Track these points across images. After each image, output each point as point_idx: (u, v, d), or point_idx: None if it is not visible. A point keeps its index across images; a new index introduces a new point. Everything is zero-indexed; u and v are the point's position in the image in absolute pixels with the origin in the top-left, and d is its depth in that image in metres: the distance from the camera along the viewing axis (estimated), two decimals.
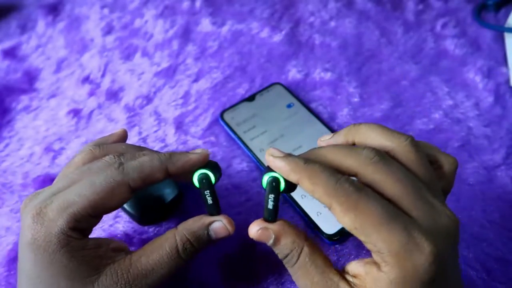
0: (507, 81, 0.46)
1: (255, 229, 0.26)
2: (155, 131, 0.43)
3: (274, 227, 0.26)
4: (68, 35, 0.52)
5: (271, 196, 0.26)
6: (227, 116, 0.43)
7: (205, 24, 0.53)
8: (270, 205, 0.26)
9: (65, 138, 0.43)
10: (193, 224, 0.28)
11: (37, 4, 0.55)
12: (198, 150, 0.28)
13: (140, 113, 0.45)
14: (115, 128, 0.43)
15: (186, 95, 0.46)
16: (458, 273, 0.25)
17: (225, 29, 0.52)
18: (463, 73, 0.47)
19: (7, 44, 0.51)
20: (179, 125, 0.43)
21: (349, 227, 0.23)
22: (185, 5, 0.55)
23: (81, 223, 0.25)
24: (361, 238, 0.23)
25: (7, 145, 0.43)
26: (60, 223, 0.24)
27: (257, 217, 0.37)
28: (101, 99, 0.46)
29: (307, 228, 0.36)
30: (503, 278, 0.33)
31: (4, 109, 0.45)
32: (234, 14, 0.54)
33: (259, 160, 0.40)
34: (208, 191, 0.27)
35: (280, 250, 0.26)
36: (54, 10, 0.55)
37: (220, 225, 0.28)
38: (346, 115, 0.44)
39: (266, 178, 0.26)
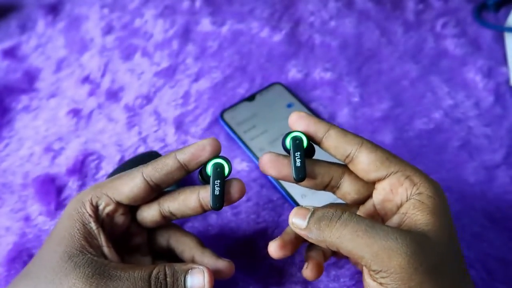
0: (507, 81, 0.46)
1: (298, 210, 0.26)
2: (155, 131, 0.43)
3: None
4: (68, 35, 0.52)
5: (297, 154, 0.26)
6: (227, 116, 0.43)
7: (205, 24, 0.53)
8: (298, 162, 0.26)
9: (65, 138, 0.43)
10: (178, 264, 0.27)
11: (37, 4, 0.55)
12: (208, 139, 0.28)
13: (140, 113, 0.45)
14: (115, 128, 0.43)
15: (186, 95, 0.46)
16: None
17: (225, 29, 0.52)
18: (463, 73, 0.47)
19: (7, 44, 0.51)
20: (179, 125, 0.43)
21: (380, 158, 0.26)
22: (185, 5, 0.55)
23: (100, 200, 0.28)
24: (387, 167, 0.26)
25: (7, 145, 0.43)
26: (84, 194, 0.28)
27: (257, 217, 0.37)
28: (101, 99, 0.46)
29: None
30: (503, 278, 0.33)
31: (4, 109, 0.45)
32: (234, 14, 0.54)
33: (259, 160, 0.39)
34: (218, 181, 0.27)
35: (319, 214, 0.25)
36: (54, 10, 0.54)
37: (199, 274, 0.26)
38: (346, 115, 0.44)
39: (289, 138, 0.27)
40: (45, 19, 0.53)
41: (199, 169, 0.28)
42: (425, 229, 0.24)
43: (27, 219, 0.37)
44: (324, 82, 0.47)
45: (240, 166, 0.40)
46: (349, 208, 0.30)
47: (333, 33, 0.52)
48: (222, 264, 0.29)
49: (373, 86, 0.46)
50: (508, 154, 0.41)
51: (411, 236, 0.23)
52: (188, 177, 0.36)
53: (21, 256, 0.35)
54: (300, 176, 0.26)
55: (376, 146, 0.27)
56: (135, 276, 0.25)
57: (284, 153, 0.28)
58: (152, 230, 0.31)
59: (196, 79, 0.47)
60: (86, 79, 0.48)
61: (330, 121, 0.43)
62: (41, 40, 0.52)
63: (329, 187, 0.28)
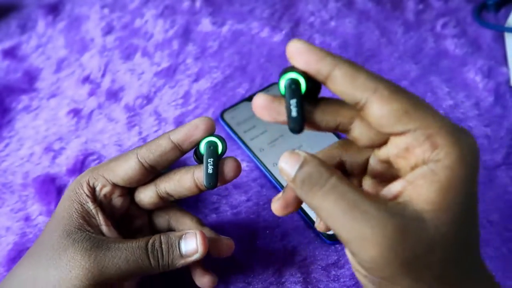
0: (507, 81, 0.46)
1: (288, 156, 0.22)
2: (155, 131, 0.43)
3: (303, 152, 0.22)
4: (68, 35, 0.52)
5: (293, 101, 0.22)
6: (227, 116, 0.43)
7: (205, 24, 0.53)
8: (294, 112, 0.22)
9: (65, 138, 0.43)
10: (173, 232, 0.28)
11: (37, 4, 0.55)
12: (200, 118, 0.27)
13: (140, 113, 0.45)
14: (115, 128, 0.43)
15: (186, 95, 0.46)
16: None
17: (225, 29, 0.52)
18: (463, 73, 0.47)
19: (7, 44, 0.51)
20: (179, 125, 0.43)
21: (395, 113, 0.20)
22: (185, 5, 0.55)
23: (97, 181, 0.28)
24: (407, 127, 0.20)
25: (7, 145, 0.43)
26: (82, 176, 0.29)
27: (257, 217, 0.37)
28: (101, 99, 0.46)
29: (308, 228, 0.36)
30: (503, 278, 0.33)
31: (4, 109, 0.45)
32: (234, 14, 0.54)
33: (259, 159, 0.40)
34: (212, 159, 0.27)
35: (305, 172, 0.21)
36: (54, 10, 0.54)
37: (192, 237, 0.27)
38: None
39: (283, 82, 0.22)
40: (45, 19, 0.53)
41: (194, 149, 0.28)
42: (424, 209, 0.20)
43: (27, 219, 0.37)
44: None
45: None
46: (354, 153, 0.26)
47: (333, 33, 0.52)
48: (221, 240, 0.30)
49: None
50: (508, 155, 0.41)
51: (394, 223, 0.20)
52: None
53: (21, 256, 0.35)
54: (297, 127, 0.22)
55: (394, 94, 0.21)
56: (132, 246, 0.26)
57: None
58: (152, 212, 0.32)
59: (196, 79, 0.47)
60: (86, 79, 0.48)
61: None
62: (41, 40, 0.52)
63: (338, 130, 0.24)
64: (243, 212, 0.38)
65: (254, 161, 0.40)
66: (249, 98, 0.45)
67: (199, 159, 0.28)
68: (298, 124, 0.22)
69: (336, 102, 0.23)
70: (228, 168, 0.27)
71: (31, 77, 0.48)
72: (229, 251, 0.30)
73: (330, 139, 0.41)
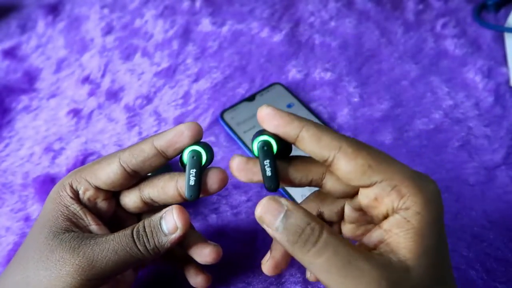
0: (507, 81, 0.46)
1: (269, 204, 0.23)
2: (155, 131, 0.43)
3: (285, 200, 0.23)
4: (68, 35, 0.52)
5: (267, 162, 0.24)
6: (227, 116, 0.43)
7: (205, 24, 0.53)
8: (268, 171, 0.24)
9: (65, 138, 0.43)
10: (155, 214, 0.27)
11: (37, 4, 0.55)
12: (186, 124, 0.26)
13: (140, 113, 0.45)
14: (115, 128, 0.43)
15: (186, 95, 0.46)
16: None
17: (225, 29, 0.52)
18: (463, 73, 0.47)
19: (7, 44, 0.51)
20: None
21: (360, 168, 0.23)
22: (185, 5, 0.55)
23: (79, 185, 0.27)
24: (372, 179, 0.23)
25: (7, 145, 0.43)
26: (66, 178, 0.28)
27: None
28: (101, 99, 0.46)
29: None
30: (503, 278, 0.33)
31: (4, 109, 0.45)
32: (234, 14, 0.54)
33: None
34: (194, 170, 0.25)
35: (293, 225, 0.22)
36: (54, 10, 0.54)
37: (169, 214, 0.26)
38: (346, 115, 0.44)
39: (256, 144, 0.24)
40: (45, 19, 0.53)
41: (180, 155, 0.27)
42: (406, 257, 0.21)
43: (27, 219, 0.37)
44: (324, 82, 0.47)
45: None
46: (330, 203, 0.28)
47: (333, 33, 0.52)
48: (208, 247, 0.29)
49: (373, 86, 0.46)
50: (508, 155, 0.41)
51: (386, 277, 0.21)
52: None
53: None
54: (272, 186, 0.24)
55: (358, 150, 0.23)
56: (119, 235, 0.25)
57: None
58: (141, 214, 0.31)
59: (196, 79, 0.47)
60: (86, 79, 0.48)
61: (330, 121, 0.43)
62: (41, 40, 0.52)
63: (312, 185, 0.26)
64: (243, 212, 0.37)
65: None
66: (249, 98, 0.45)
67: (183, 167, 0.26)
68: (273, 183, 0.24)
69: (307, 160, 0.26)
70: (212, 180, 0.26)
71: (31, 77, 0.48)
72: (216, 258, 0.29)
73: None
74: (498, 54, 0.49)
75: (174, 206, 0.26)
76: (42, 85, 0.47)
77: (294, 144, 0.24)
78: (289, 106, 0.44)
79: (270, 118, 0.24)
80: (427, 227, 0.22)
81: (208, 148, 0.26)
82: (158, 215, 0.26)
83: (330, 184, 0.25)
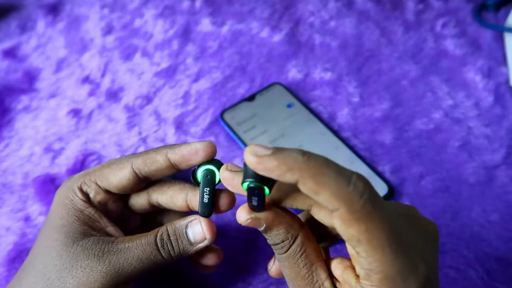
0: (507, 81, 0.46)
1: (244, 217, 0.24)
2: (155, 131, 0.43)
3: (265, 215, 0.23)
4: (68, 35, 0.52)
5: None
6: (227, 116, 0.43)
7: (205, 24, 0.53)
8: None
9: (65, 138, 0.43)
10: (177, 221, 0.27)
11: (37, 4, 0.55)
12: (202, 143, 0.26)
13: (140, 113, 0.45)
14: (115, 128, 0.43)
15: (186, 95, 0.46)
16: (437, 275, 0.24)
17: (225, 29, 0.52)
18: (463, 73, 0.47)
19: (7, 44, 0.51)
20: (179, 125, 0.43)
21: (350, 237, 0.20)
22: (185, 5, 0.55)
23: (90, 188, 0.28)
24: (357, 251, 0.21)
25: (7, 145, 0.43)
26: (74, 182, 0.28)
27: None
28: (101, 99, 0.46)
29: None
30: (503, 278, 0.33)
31: (4, 109, 0.45)
32: (234, 14, 0.54)
33: None
34: (208, 189, 0.26)
35: (271, 238, 0.24)
36: (54, 10, 0.54)
37: (197, 225, 0.27)
38: (346, 115, 0.44)
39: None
40: (45, 19, 0.53)
41: (192, 170, 0.28)
42: None
43: (27, 219, 0.37)
44: (324, 82, 0.47)
45: (240, 166, 0.40)
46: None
47: (333, 33, 0.52)
48: (212, 251, 0.30)
49: (373, 86, 0.46)
50: (507, 154, 0.41)
51: None
52: None
53: (21, 256, 0.35)
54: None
55: (355, 220, 0.20)
56: (142, 243, 0.26)
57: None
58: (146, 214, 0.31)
59: (196, 79, 0.47)
60: (86, 79, 0.48)
61: (330, 121, 0.43)
62: (41, 40, 0.52)
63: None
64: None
65: None
66: (249, 98, 0.45)
67: (195, 181, 0.27)
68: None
69: (289, 215, 0.24)
70: (223, 202, 0.27)
71: (31, 77, 0.48)
72: (218, 262, 0.30)
73: (331, 139, 0.41)
74: (498, 54, 0.49)
75: (200, 218, 0.27)
76: (42, 85, 0.47)
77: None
78: (289, 106, 0.44)
79: (262, 162, 0.21)
80: None
81: (220, 165, 0.27)
82: (182, 222, 0.27)
83: (318, 216, 0.24)
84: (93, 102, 0.46)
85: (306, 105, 0.44)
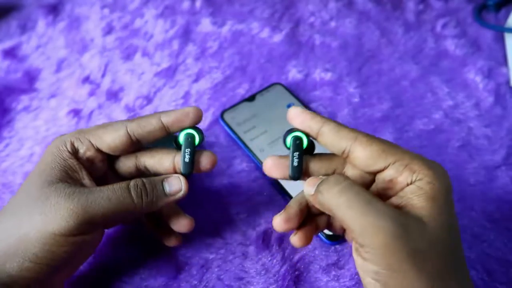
0: (508, 81, 0.46)
1: (310, 180, 0.28)
2: None
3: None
4: (68, 35, 0.52)
5: (296, 154, 0.28)
6: (227, 116, 0.43)
7: (205, 24, 0.53)
8: (295, 162, 0.28)
9: None
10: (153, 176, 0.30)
11: (37, 4, 0.55)
12: (192, 107, 0.30)
13: (140, 113, 0.45)
14: None
15: (186, 95, 0.46)
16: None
17: (225, 29, 0.52)
18: (464, 73, 0.47)
19: (7, 44, 0.51)
20: None
21: (375, 152, 0.26)
22: (185, 5, 0.55)
23: (82, 144, 0.29)
24: (384, 159, 0.26)
25: (7, 145, 0.43)
26: (68, 136, 0.30)
27: (258, 218, 0.37)
28: (101, 99, 0.46)
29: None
30: (504, 278, 0.33)
31: (4, 109, 0.45)
32: (234, 14, 0.54)
33: (259, 160, 0.40)
34: (189, 149, 0.29)
35: (324, 181, 0.26)
36: (54, 10, 0.54)
37: (175, 178, 0.29)
38: (346, 115, 0.44)
39: (289, 138, 0.28)
40: (45, 19, 0.53)
41: (175, 135, 0.30)
42: (421, 214, 0.24)
43: None
44: (324, 83, 0.47)
45: (240, 166, 0.40)
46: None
47: (333, 34, 0.52)
48: (186, 219, 0.32)
49: (373, 86, 0.46)
50: (508, 155, 0.41)
51: (401, 219, 0.23)
52: None
53: None
54: (296, 175, 0.28)
55: (371, 139, 0.26)
56: (114, 187, 0.28)
57: (286, 151, 0.29)
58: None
59: (196, 80, 0.47)
60: (86, 79, 0.48)
61: None
62: (41, 40, 0.52)
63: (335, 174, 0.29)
64: (243, 212, 0.37)
65: (254, 162, 0.40)
66: (249, 99, 0.45)
67: (177, 146, 0.30)
68: (297, 173, 0.28)
69: (328, 155, 0.29)
70: (205, 161, 0.30)
71: (31, 77, 0.48)
72: (190, 229, 0.32)
73: None
74: (498, 54, 0.49)
75: (179, 175, 0.30)
76: (42, 85, 0.47)
77: (316, 139, 0.28)
78: (289, 106, 0.44)
79: (298, 115, 0.28)
80: (439, 195, 0.25)
81: (200, 131, 0.30)
82: (157, 178, 0.30)
83: (350, 173, 0.28)
84: (94, 102, 0.46)
85: (306, 105, 0.44)
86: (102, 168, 0.31)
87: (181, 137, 0.30)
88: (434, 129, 0.43)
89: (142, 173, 0.31)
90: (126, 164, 0.31)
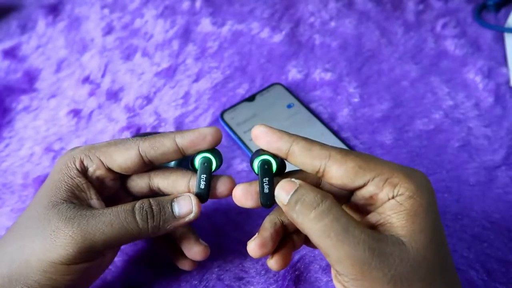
0: (507, 81, 0.46)
1: (284, 184, 0.25)
2: (155, 132, 0.43)
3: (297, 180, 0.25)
4: (68, 35, 0.52)
5: (265, 179, 0.26)
6: (227, 116, 0.43)
7: (205, 24, 0.53)
8: (266, 188, 0.26)
9: (65, 138, 0.43)
10: (162, 196, 0.28)
11: (37, 4, 0.55)
12: (210, 129, 0.27)
13: (140, 113, 0.45)
14: (115, 128, 0.43)
15: (186, 95, 0.46)
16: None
17: (225, 29, 0.52)
18: (463, 73, 0.47)
19: (7, 44, 0.51)
20: (179, 125, 0.43)
21: (351, 169, 0.24)
22: (185, 5, 0.55)
23: (91, 162, 0.28)
24: (362, 177, 0.24)
25: (7, 145, 0.43)
26: (77, 152, 0.28)
27: (258, 217, 0.37)
28: (101, 99, 0.46)
29: None
30: (504, 278, 0.33)
31: (4, 109, 0.45)
32: (234, 14, 0.54)
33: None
34: (205, 175, 0.27)
35: (301, 195, 0.24)
36: (54, 10, 0.54)
37: (185, 199, 0.27)
38: (346, 115, 0.44)
39: (256, 162, 0.26)
40: (45, 19, 0.53)
41: (190, 158, 0.28)
42: (401, 234, 0.23)
43: None
44: (324, 83, 0.47)
45: (240, 166, 0.40)
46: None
47: (333, 34, 0.52)
48: (200, 246, 0.30)
49: (373, 86, 0.46)
50: (508, 155, 0.40)
51: (380, 246, 0.22)
52: None
53: None
54: (268, 202, 0.26)
55: (346, 155, 0.24)
56: (117, 209, 0.26)
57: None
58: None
59: (196, 80, 0.47)
60: (86, 79, 0.48)
61: (330, 121, 0.43)
62: (41, 40, 0.52)
63: None
64: (243, 213, 0.37)
65: None
66: (249, 99, 0.45)
67: (194, 169, 0.28)
68: (269, 199, 0.26)
69: (302, 172, 0.27)
70: (221, 188, 0.28)
71: (31, 77, 0.48)
72: (204, 258, 0.30)
73: (331, 140, 0.41)
74: (498, 54, 0.49)
75: (190, 194, 0.27)
76: (42, 85, 0.47)
77: (287, 159, 0.26)
78: (289, 106, 0.44)
79: (263, 135, 0.25)
80: (421, 209, 0.23)
81: (218, 155, 0.28)
82: (166, 198, 0.27)
83: (327, 189, 0.26)
84: (94, 102, 0.46)
85: (306, 105, 0.44)
86: (113, 187, 0.29)
87: (197, 161, 0.27)
88: (434, 129, 0.43)
89: (155, 193, 0.30)
90: (139, 184, 0.29)
